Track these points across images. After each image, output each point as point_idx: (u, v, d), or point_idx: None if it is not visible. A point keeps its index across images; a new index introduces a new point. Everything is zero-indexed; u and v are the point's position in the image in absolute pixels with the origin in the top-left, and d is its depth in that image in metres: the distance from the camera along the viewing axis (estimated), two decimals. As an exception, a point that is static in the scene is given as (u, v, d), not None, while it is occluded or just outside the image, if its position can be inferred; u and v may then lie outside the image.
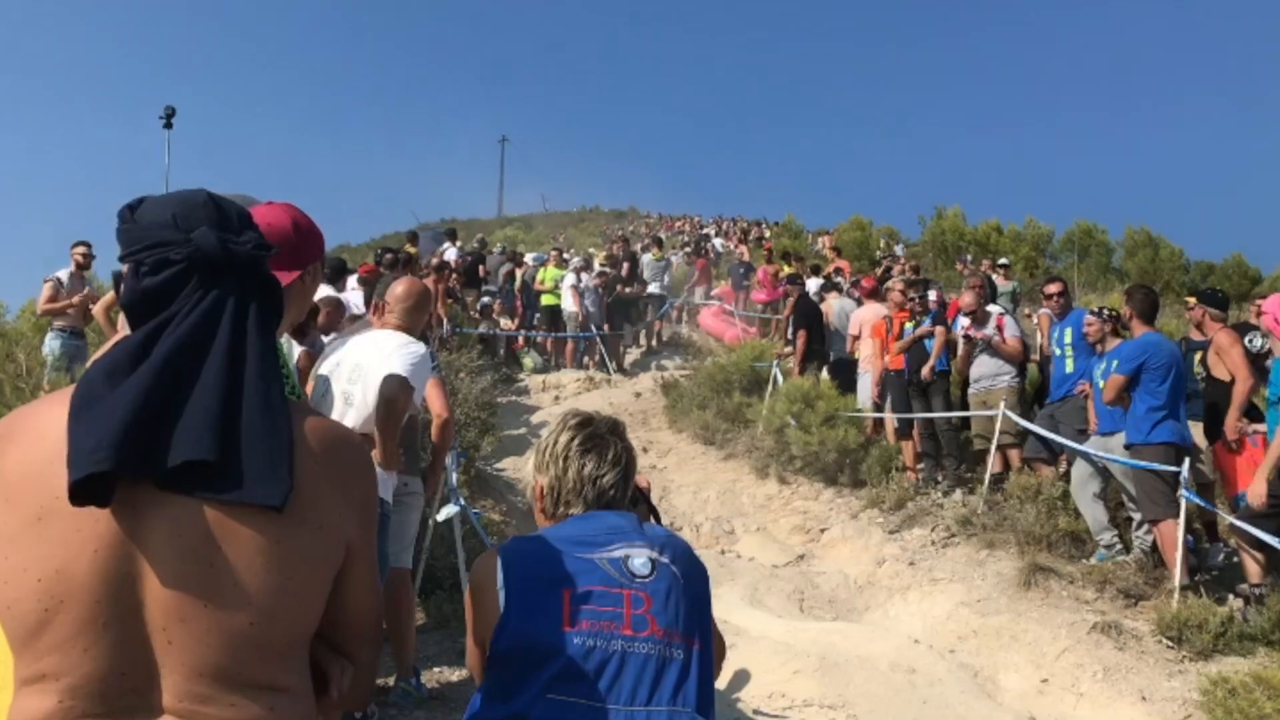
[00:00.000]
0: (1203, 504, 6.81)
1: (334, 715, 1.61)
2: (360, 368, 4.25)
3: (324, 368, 4.44)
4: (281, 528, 1.36)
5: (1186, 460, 6.51)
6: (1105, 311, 7.82)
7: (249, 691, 1.35)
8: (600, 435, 2.23)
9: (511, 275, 18.24)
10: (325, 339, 6.01)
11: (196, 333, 1.40)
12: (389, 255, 11.45)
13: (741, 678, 5.82)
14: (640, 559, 2.05)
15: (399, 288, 4.71)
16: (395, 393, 4.01)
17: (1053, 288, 8.82)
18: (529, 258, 18.78)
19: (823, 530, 9.40)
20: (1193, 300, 7.51)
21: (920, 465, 9.71)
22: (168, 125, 8.88)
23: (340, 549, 1.47)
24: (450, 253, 16.41)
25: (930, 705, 5.63)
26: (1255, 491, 5.94)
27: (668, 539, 2.16)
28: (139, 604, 1.32)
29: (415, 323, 4.64)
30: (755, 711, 5.32)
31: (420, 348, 4.34)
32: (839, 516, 9.48)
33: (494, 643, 1.94)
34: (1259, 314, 6.49)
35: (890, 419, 10.17)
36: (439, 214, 45.91)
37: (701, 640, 2.06)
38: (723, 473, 11.12)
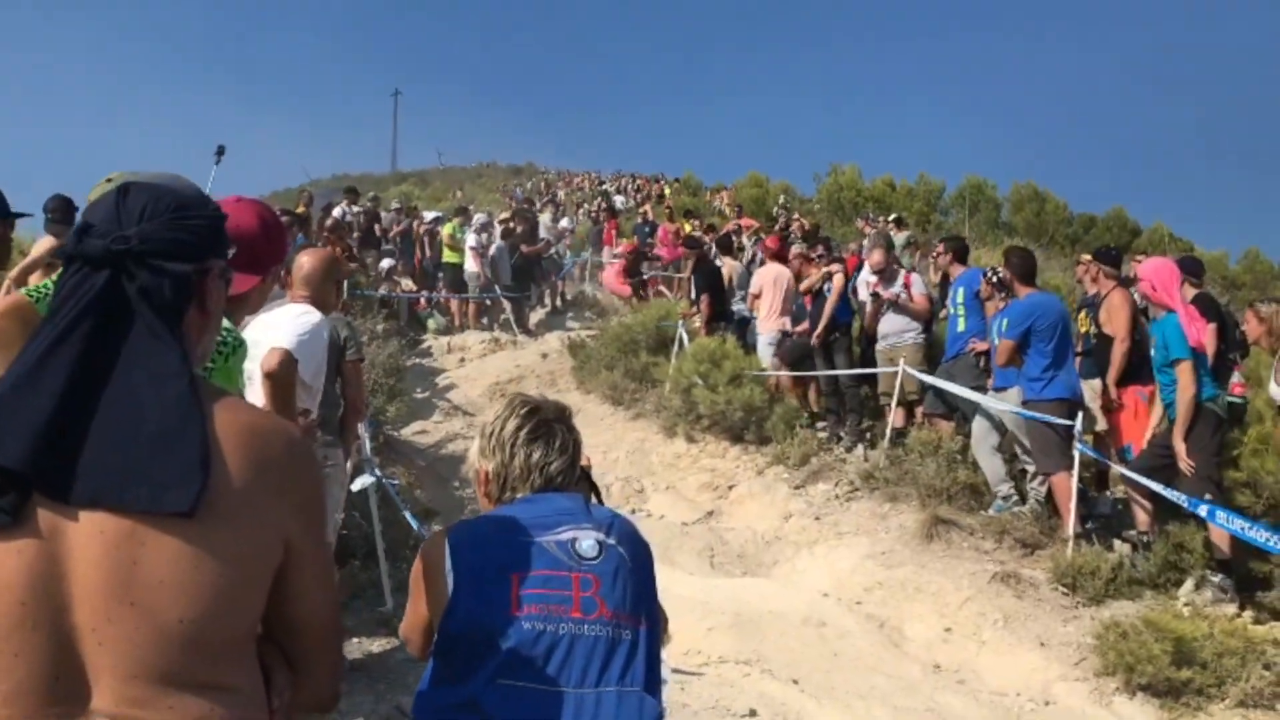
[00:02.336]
0: (1096, 456, 7.14)
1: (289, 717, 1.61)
2: (258, 345, 4.16)
3: None
4: (203, 528, 1.34)
5: (1080, 414, 6.81)
6: (992, 273, 8.08)
7: (189, 691, 1.33)
8: (548, 422, 2.25)
9: (408, 233, 17.87)
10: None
11: (71, 334, 1.37)
12: (284, 217, 11.18)
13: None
14: (588, 541, 2.08)
15: (305, 259, 4.61)
16: (272, 367, 3.90)
17: (942, 248, 9.14)
18: (427, 216, 18.44)
19: (730, 487, 9.57)
20: (1087, 257, 7.80)
21: (822, 419, 9.96)
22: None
23: (277, 547, 1.45)
24: (336, 212, 15.97)
25: (841, 657, 5.82)
26: (1179, 455, 6.19)
27: (614, 520, 2.19)
28: (66, 604, 1.29)
29: (324, 294, 4.55)
30: (673, 669, 5.42)
31: (313, 319, 4.21)
32: (746, 473, 9.66)
33: (443, 625, 1.96)
34: (1136, 277, 6.77)
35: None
36: (331, 170, 44.90)
37: (648, 620, 2.10)
38: (631, 432, 11.21)
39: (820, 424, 10.14)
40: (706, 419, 10.34)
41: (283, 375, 3.89)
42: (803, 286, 10.20)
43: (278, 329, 4.07)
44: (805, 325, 10.15)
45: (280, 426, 1.54)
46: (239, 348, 2.70)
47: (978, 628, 6.11)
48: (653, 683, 2.05)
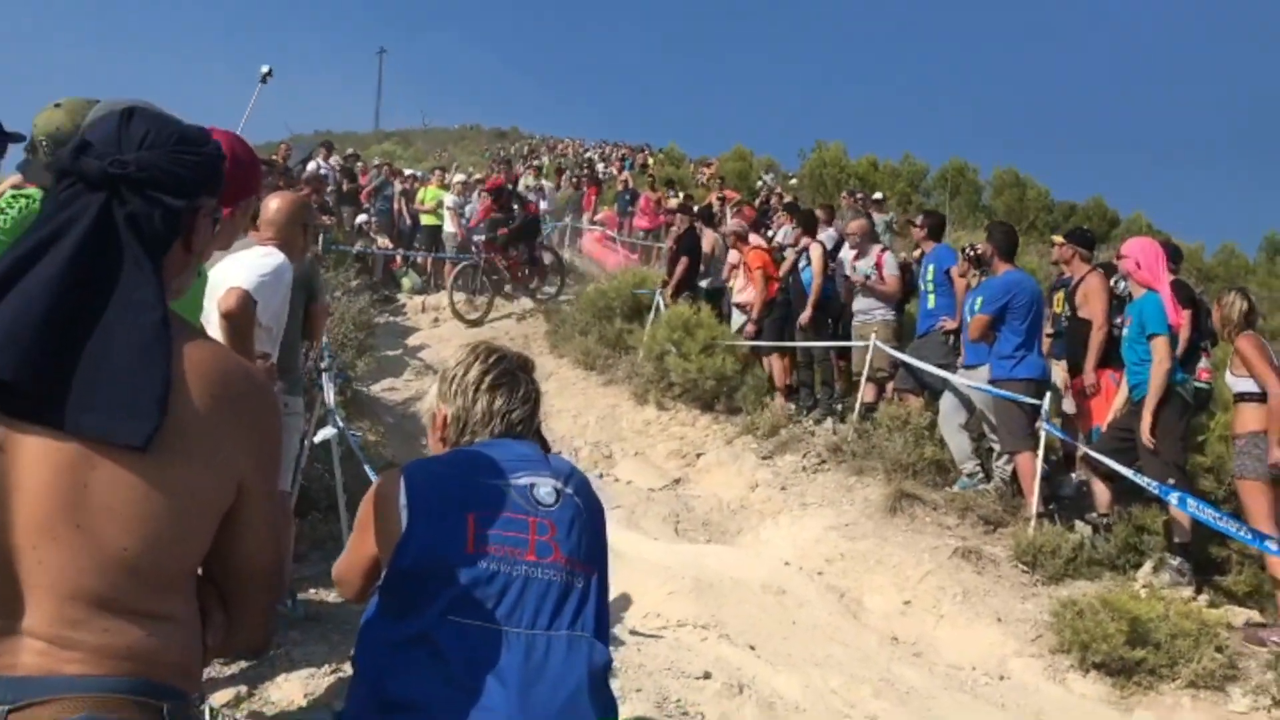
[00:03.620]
0: (1062, 436, 7.16)
1: (211, 657, 1.60)
2: (219, 285, 4.08)
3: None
4: (157, 462, 1.34)
5: (1047, 394, 6.82)
6: (968, 250, 8.08)
7: (125, 617, 1.34)
8: (512, 371, 2.23)
9: (380, 189, 17.63)
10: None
11: (55, 250, 1.36)
12: (263, 166, 11.03)
13: (621, 601, 5.92)
14: (546, 488, 2.07)
15: (273, 202, 4.52)
16: (230, 307, 3.81)
17: (919, 223, 9.15)
18: (408, 172, 18.27)
19: (699, 455, 9.58)
20: (1060, 239, 7.80)
21: (795, 392, 9.97)
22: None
23: (230, 487, 1.45)
24: (311, 165, 15.78)
25: (799, 625, 5.84)
26: (1144, 431, 6.21)
27: (571, 471, 2.18)
28: (9, 521, 1.29)
29: (291, 237, 4.45)
30: (632, 631, 5.43)
31: (275, 261, 4.11)
32: (715, 442, 9.66)
33: (395, 560, 1.93)
34: (1119, 258, 6.77)
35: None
36: (313, 126, 44.41)
37: (600, 572, 2.09)
38: (603, 398, 11.19)
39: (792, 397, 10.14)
40: (678, 387, 10.33)
41: (240, 315, 3.81)
42: (783, 269, 10.17)
43: (239, 269, 3.99)
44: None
45: (244, 368, 1.52)
46: (200, 278, 2.64)
47: (937, 601, 6.14)
48: (603, 630, 2.05)
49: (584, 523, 2.09)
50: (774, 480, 8.52)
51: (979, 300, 7.48)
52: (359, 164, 18.63)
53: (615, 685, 4.46)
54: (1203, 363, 6.83)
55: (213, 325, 3.93)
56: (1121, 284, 7.11)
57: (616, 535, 7.16)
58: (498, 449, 2.12)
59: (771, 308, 10.13)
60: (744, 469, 8.97)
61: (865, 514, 7.34)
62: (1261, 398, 5.87)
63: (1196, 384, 6.72)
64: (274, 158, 14.42)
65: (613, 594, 5.95)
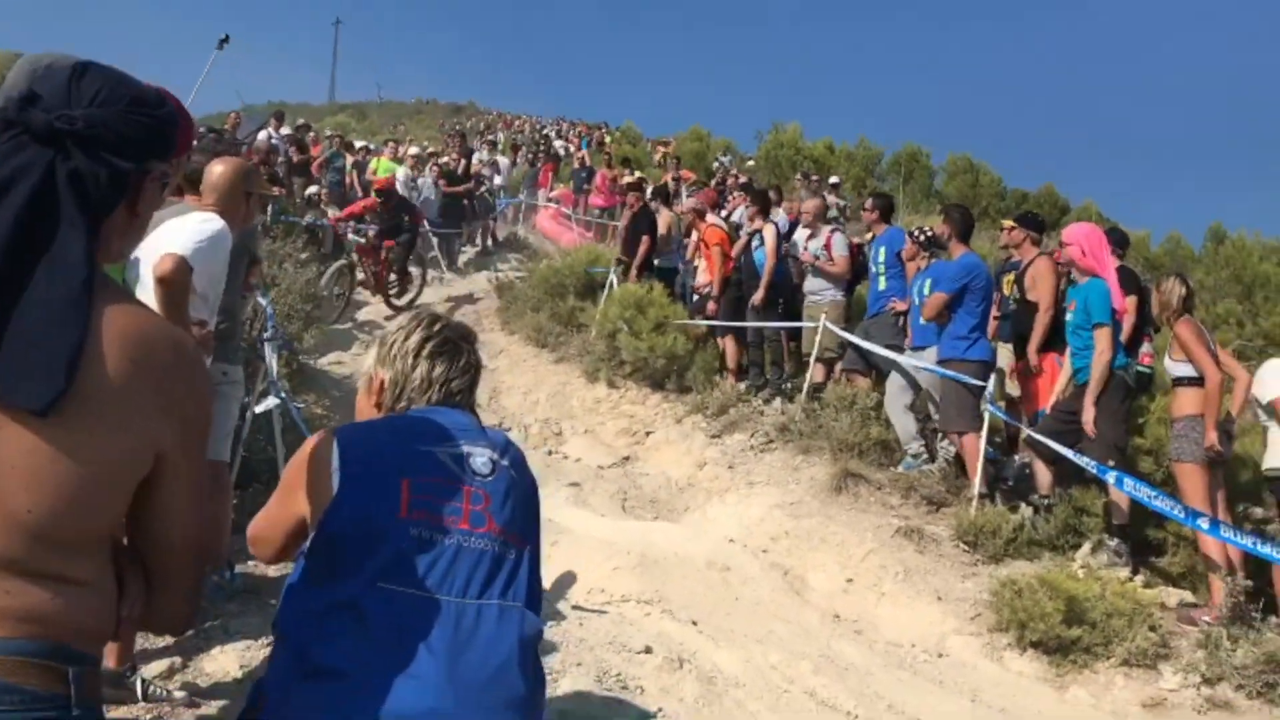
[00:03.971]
0: (1006, 418, 7.24)
1: (130, 630, 1.57)
2: (156, 249, 3.98)
3: (139, 250, 4.17)
4: (65, 426, 1.30)
5: (992, 376, 6.89)
6: (919, 232, 8.13)
7: (30, 579, 1.31)
8: (453, 340, 2.20)
9: (331, 160, 17.37)
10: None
11: None
12: (211, 134, 10.83)
13: (566, 578, 5.91)
14: (482, 458, 2.04)
15: (217, 167, 4.42)
16: (165, 272, 3.73)
17: (869, 204, 9.20)
18: (360, 145, 18.04)
19: (648, 434, 9.57)
20: (1010, 223, 7.86)
21: (745, 372, 10.00)
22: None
23: (146, 456, 1.41)
24: (262, 135, 15.49)
25: (742, 602, 5.86)
26: (1086, 419, 6.29)
27: (507, 443, 2.15)
28: None
29: (233, 204, 4.36)
30: (574, 607, 5.42)
31: (214, 227, 4.02)
32: (664, 421, 9.66)
33: (324, 524, 1.88)
34: (1063, 244, 6.84)
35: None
36: (267, 97, 43.76)
37: (532, 545, 2.07)
38: (554, 375, 11.15)
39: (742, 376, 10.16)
40: (629, 365, 10.31)
41: (175, 281, 3.73)
42: (736, 249, 10.16)
43: (176, 234, 3.91)
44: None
45: (170, 334, 1.47)
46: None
47: (879, 579, 6.18)
48: (533, 602, 2.02)
49: (519, 495, 2.07)
50: (722, 459, 8.54)
51: (928, 282, 7.54)
52: (310, 134, 18.36)
53: (555, 659, 4.47)
54: (1145, 348, 6.93)
55: (147, 290, 3.84)
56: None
57: (564, 512, 7.21)
58: (435, 416, 2.09)
59: (726, 286, 10.14)
60: (693, 447, 8.98)
61: (811, 493, 7.37)
62: (1199, 382, 5.98)
63: (1139, 368, 6.82)
64: (225, 128, 14.18)
65: (558, 570, 5.98)
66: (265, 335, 5.92)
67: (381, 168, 16.21)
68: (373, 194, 13.72)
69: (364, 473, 1.92)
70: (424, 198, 15.61)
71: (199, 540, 1.56)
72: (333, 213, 15.99)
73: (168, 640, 4.38)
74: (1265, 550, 5.34)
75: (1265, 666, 5.07)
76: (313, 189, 15.54)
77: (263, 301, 6.56)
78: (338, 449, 1.96)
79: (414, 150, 16.62)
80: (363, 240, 12.55)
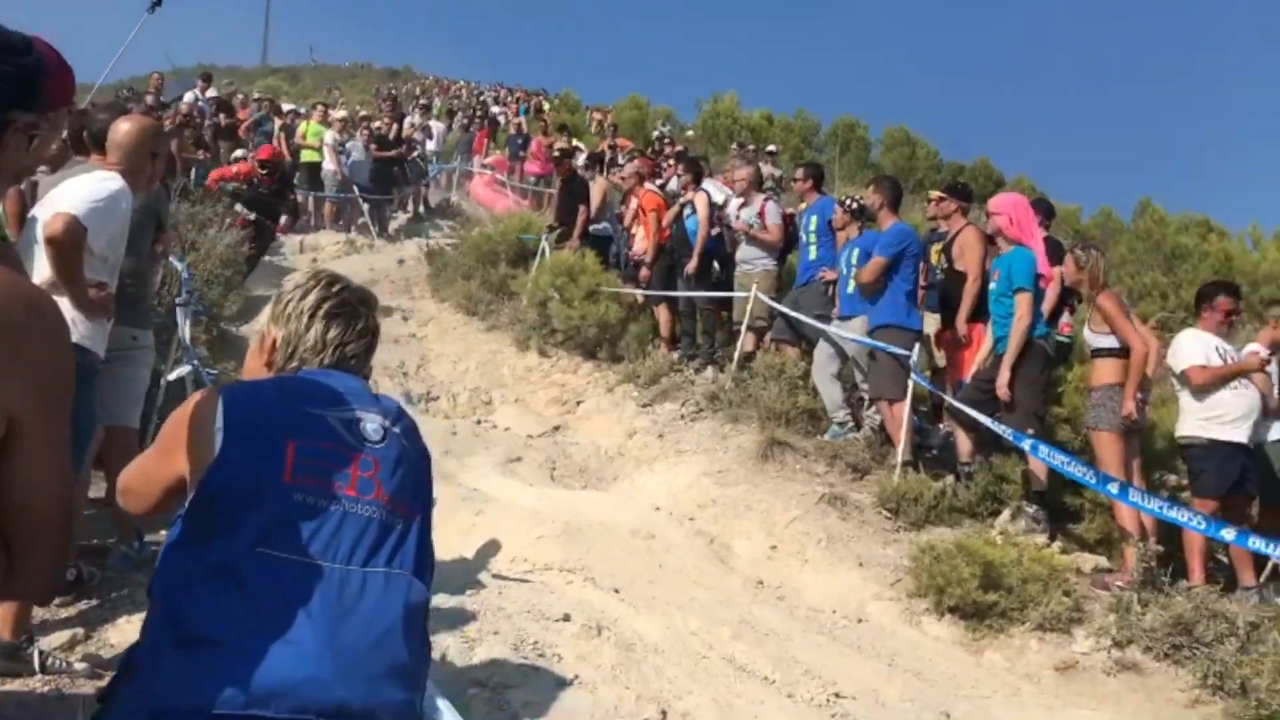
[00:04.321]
0: (930, 387, 7.31)
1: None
2: (52, 209, 3.84)
3: (36, 209, 4.01)
4: None
5: (917, 345, 6.94)
6: (850, 200, 8.15)
7: None
8: (351, 304, 2.14)
9: (260, 124, 17.00)
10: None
11: None
12: (130, 95, 10.54)
13: (490, 547, 5.86)
14: (373, 424, 1.99)
15: (122, 124, 4.26)
16: (55, 232, 3.60)
17: (800, 174, 9.19)
18: (287, 109, 17.68)
19: (579, 403, 9.53)
20: (938, 193, 7.91)
21: (678, 341, 9.99)
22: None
23: None
24: (188, 96, 15.10)
25: (666, 569, 5.86)
26: (1001, 384, 6.36)
27: (400, 411, 2.10)
28: None
29: (137, 163, 4.21)
30: (496, 575, 5.39)
31: (113, 186, 3.88)
32: (595, 390, 9.62)
33: (204, 484, 1.81)
34: (990, 214, 6.88)
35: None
36: (196, 58, 42.51)
37: (423, 516, 2.02)
38: (484, 344, 11.03)
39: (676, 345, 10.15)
40: (561, 334, 10.25)
41: (64, 242, 3.60)
42: (668, 217, 10.10)
43: (72, 193, 3.77)
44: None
45: (25, 293, 1.40)
46: None
47: (802, 546, 6.22)
48: (422, 571, 1.97)
49: (410, 464, 2.02)
50: (652, 428, 8.52)
51: (856, 251, 7.57)
52: (238, 97, 17.96)
53: (472, 628, 4.43)
54: (1065, 318, 7.01)
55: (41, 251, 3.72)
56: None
57: (492, 481, 7.16)
58: (327, 379, 2.03)
59: (660, 255, 10.09)
60: (623, 416, 8.96)
61: (738, 461, 7.39)
62: (1118, 352, 6.07)
63: (1059, 338, 6.91)
64: (148, 92, 13.80)
65: (482, 539, 5.93)
66: (178, 300, 5.77)
67: (310, 132, 15.91)
68: (255, 162, 13.02)
69: (249, 433, 1.86)
70: (353, 161, 15.35)
71: (63, 506, 1.49)
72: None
73: (71, 610, 4.28)
74: (1174, 515, 5.46)
75: (1172, 629, 5.19)
76: (240, 153, 15.22)
77: (178, 266, 6.40)
78: (222, 407, 1.89)
79: (342, 113, 16.28)
80: (245, 213, 12.02)
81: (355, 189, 15.30)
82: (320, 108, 17.46)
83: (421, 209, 17.77)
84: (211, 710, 1.61)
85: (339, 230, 15.37)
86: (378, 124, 17.08)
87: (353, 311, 2.13)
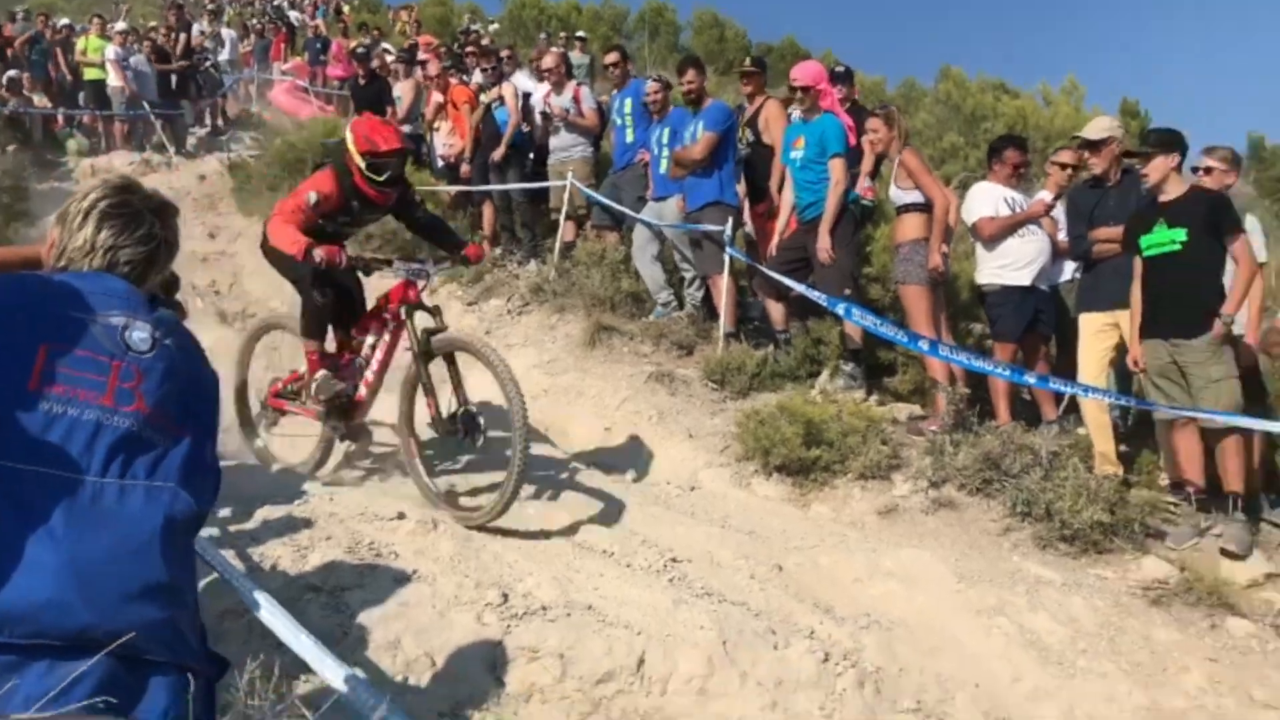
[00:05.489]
0: (746, 260, 7.44)
1: None
2: None
3: None
4: None
5: (730, 219, 7.03)
6: (658, 81, 8.12)
7: None
8: (134, 207, 1.99)
9: (34, 41, 15.69)
10: None
11: None
12: None
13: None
14: (141, 334, 1.86)
15: None
16: None
17: (610, 57, 9.06)
18: (61, 24, 16.34)
19: (402, 305, 9.34)
20: (750, 66, 7.98)
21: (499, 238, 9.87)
22: None
23: None
24: None
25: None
26: (823, 247, 6.49)
27: (178, 326, 1.98)
28: None
29: None
30: (325, 484, 5.31)
31: None
32: (418, 291, 9.44)
33: None
34: (792, 82, 6.93)
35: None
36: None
37: (196, 431, 1.91)
38: (298, 255, 10.63)
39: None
40: (378, 238, 9.95)
41: None
42: (476, 115, 9.87)
43: None
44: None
45: None
46: None
47: (634, 424, 6.35)
48: (194, 485, 1.86)
49: (180, 380, 1.91)
50: (480, 325, 8.47)
51: (666, 131, 7.58)
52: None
53: (304, 535, 4.36)
54: (866, 182, 7.19)
55: None
56: (795, 112, 7.33)
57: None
58: (90, 281, 1.90)
59: (476, 150, 9.87)
60: (450, 316, 8.79)
61: (567, 350, 7.44)
62: (923, 208, 6.31)
63: (864, 202, 7.10)
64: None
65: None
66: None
67: (90, 47, 14.76)
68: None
69: None
70: (139, 72, 14.37)
71: None
72: (39, 99, 14.58)
73: None
74: (980, 364, 5.79)
75: (982, 465, 5.55)
76: (13, 73, 14.08)
77: None
78: None
79: (122, 25, 15.14)
80: None
81: (145, 105, 14.35)
82: (97, 20, 16.18)
83: (220, 122, 16.81)
84: None
85: (134, 150, 14.43)
86: (160, 34, 15.99)
87: (135, 217, 1.99)
